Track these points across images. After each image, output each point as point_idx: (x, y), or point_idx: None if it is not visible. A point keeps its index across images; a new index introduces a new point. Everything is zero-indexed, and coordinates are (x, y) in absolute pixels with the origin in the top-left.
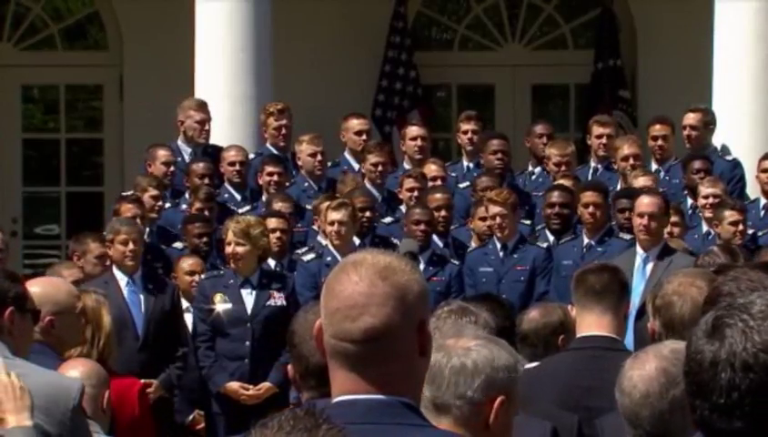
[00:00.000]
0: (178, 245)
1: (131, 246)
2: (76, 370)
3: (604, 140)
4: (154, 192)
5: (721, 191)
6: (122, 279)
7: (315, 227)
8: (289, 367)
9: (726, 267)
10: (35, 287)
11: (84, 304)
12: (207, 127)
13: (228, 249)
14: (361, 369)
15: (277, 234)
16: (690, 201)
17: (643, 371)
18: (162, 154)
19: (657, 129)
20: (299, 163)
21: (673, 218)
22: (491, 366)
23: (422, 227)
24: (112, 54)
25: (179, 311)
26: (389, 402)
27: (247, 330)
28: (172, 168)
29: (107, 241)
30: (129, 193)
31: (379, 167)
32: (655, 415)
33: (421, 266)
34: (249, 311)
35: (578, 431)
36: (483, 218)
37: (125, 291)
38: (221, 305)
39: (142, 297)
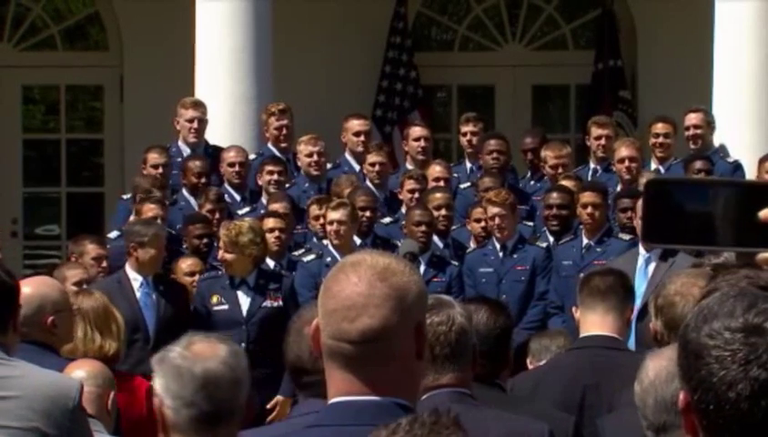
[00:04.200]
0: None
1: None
2: (82, 371)
3: (603, 141)
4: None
5: None
6: (136, 279)
7: (309, 227)
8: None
9: (720, 267)
10: (29, 287)
11: (86, 304)
12: (196, 126)
13: (219, 254)
14: (358, 370)
15: (276, 234)
16: None
17: (658, 361)
18: (152, 156)
19: (659, 128)
20: (299, 164)
21: None
22: None
23: (423, 228)
24: (112, 54)
25: (188, 313)
26: (384, 404)
27: (242, 331)
28: (161, 170)
29: (136, 243)
30: (152, 193)
31: (377, 167)
32: (658, 402)
33: (422, 267)
34: (244, 313)
35: (575, 432)
36: (478, 220)
37: (138, 293)
38: (217, 306)
39: (154, 298)
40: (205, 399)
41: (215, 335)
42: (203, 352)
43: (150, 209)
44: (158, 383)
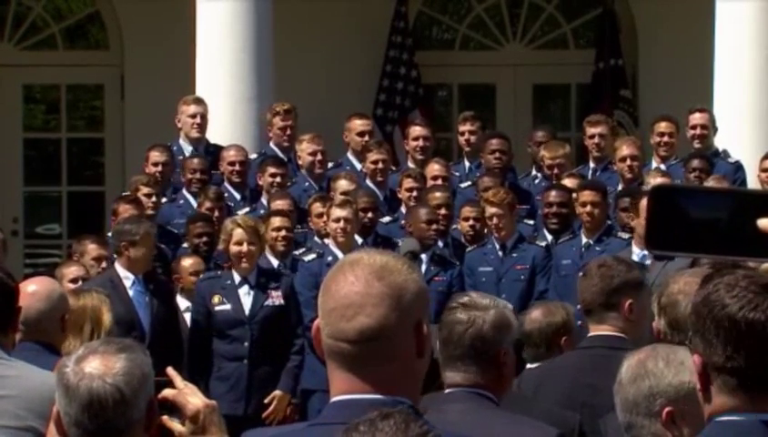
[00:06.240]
0: (186, 245)
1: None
2: None
3: (596, 140)
4: (146, 190)
5: None
6: (128, 278)
7: (311, 225)
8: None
9: (721, 268)
10: (39, 285)
11: (84, 303)
12: (199, 121)
13: (239, 249)
14: (358, 369)
15: (283, 233)
16: None
17: (628, 362)
18: (154, 155)
19: (663, 127)
20: (300, 162)
21: None
22: None
23: (434, 226)
24: (113, 53)
25: (177, 312)
26: (385, 403)
27: (245, 330)
28: (160, 168)
29: (127, 242)
30: (127, 193)
31: (380, 165)
32: (622, 402)
33: (423, 266)
34: (247, 312)
35: (579, 431)
36: (467, 218)
37: (131, 292)
38: (219, 306)
39: (147, 297)
40: (89, 419)
41: (121, 343)
42: (93, 369)
43: (126, 210)
44: (56, 394)
